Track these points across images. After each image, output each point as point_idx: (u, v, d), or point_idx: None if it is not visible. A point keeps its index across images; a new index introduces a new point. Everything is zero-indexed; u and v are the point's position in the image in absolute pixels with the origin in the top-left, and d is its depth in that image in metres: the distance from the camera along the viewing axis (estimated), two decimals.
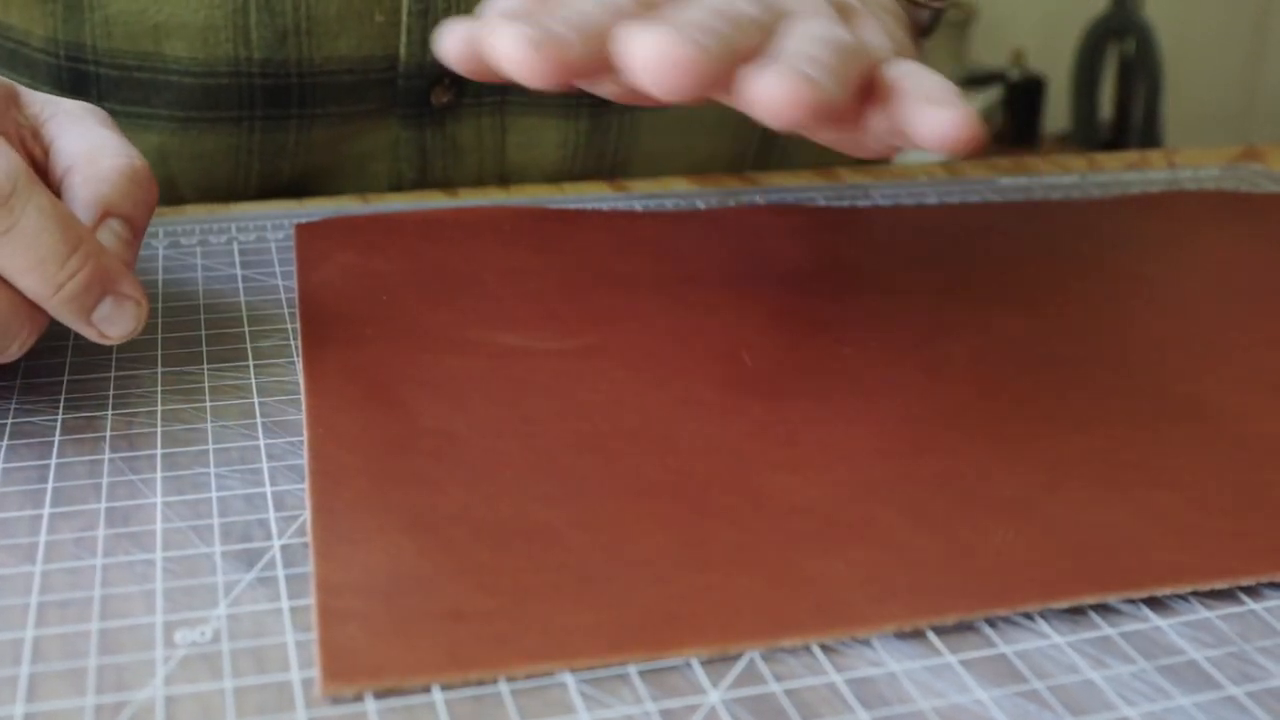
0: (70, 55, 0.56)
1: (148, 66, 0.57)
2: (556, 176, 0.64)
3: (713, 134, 0.65)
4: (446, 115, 0.61)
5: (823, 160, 0.66)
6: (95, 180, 0.39)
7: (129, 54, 0.57)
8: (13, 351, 0.38)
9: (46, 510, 0.35)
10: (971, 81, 2.38)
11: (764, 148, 0.66)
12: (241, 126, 0.58)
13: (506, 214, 0.56)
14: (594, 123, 0.62)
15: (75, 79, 0.55)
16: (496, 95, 0.60)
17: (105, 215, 0.39)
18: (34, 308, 0.37)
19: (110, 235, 0.39)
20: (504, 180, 0.63)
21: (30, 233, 0.36)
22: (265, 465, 0.38)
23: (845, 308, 0.48)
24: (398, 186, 0.62)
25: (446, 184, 0.62)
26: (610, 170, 0.64)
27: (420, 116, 0.60)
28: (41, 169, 0.41)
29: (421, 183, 0.62)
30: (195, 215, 0.56)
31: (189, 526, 0.35)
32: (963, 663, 0.31)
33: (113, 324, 0.38)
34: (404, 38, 0.57)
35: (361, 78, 0.58)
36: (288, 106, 0.59)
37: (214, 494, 0.36)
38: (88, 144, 0.41)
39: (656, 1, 0.36)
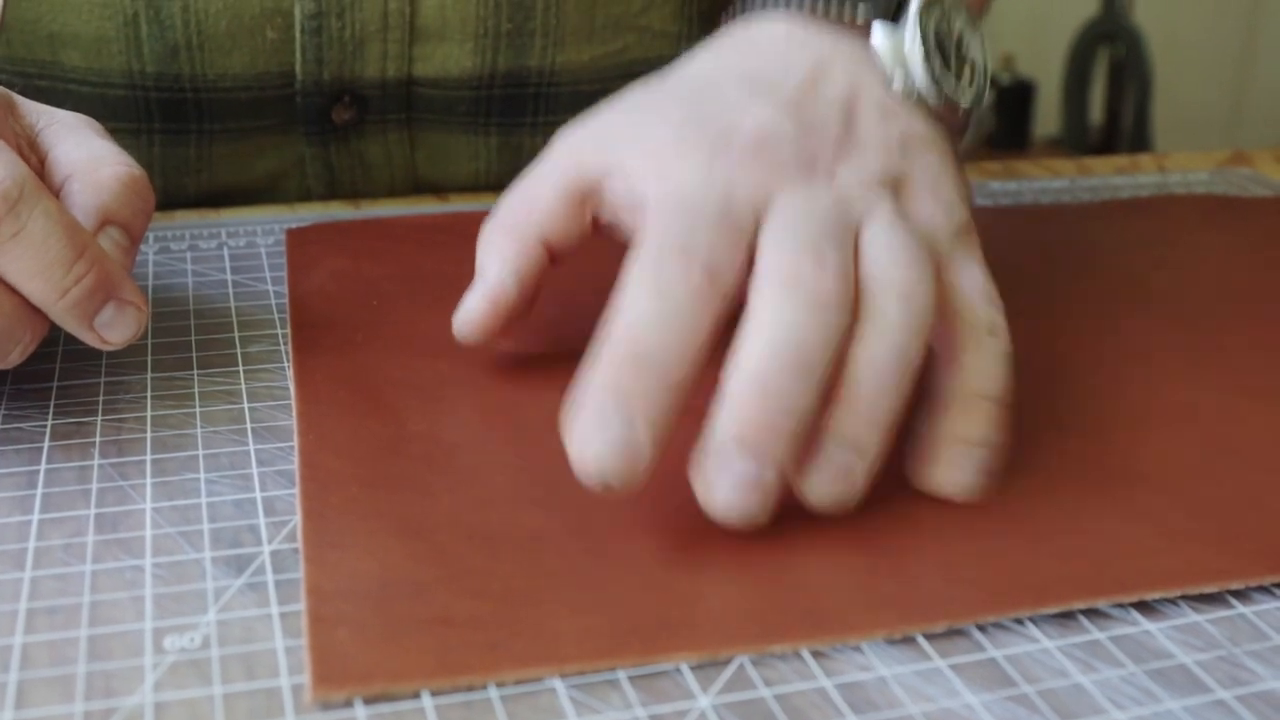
0: None
1: (46, 75, 0.56)
2: (471, 190, 0.63)
3: None
4: (351, 132, 0.60)
5: None
6: (95, 188, 0.40)
7: (28, 62, 0.56)
8: (14, 357, 0.38)
9: (35, 516, 0.35)
10: None
11: None
12: (140, 140, 0.58)
13: None
14: (504, 140, 0.62)
15: None
16: (402, 112, 0.60)
17: (105, 223, 0.39)
18: (36, 313, 0.37)
19: (109, 242, 0.39)
20: (420, 193, 0.63)
21: (37, 238, 0.36)
22: (255, 470, 0.38)
23: None
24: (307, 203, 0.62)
25: (357, 199, 0.62)
26: None
27: (324, 134, 0.60)
28: (38, 177, 0.41)
29: (331, 199, 0.62)
30: (186, 221, 0.56)
31: (178, 532, 0.35)
32: (952, 667, 0.31)
33: (114, 329, 0.38)
34: (299, 55, 0.56)
35: (258, 94, 0.58)
36: (185, 121, 0.58)
37: (203, 499, 0.36)
38: (86, 153, 0.41)
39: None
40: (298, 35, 0.56)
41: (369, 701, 0.29)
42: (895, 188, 0.40)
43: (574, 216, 0.41)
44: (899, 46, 0.42)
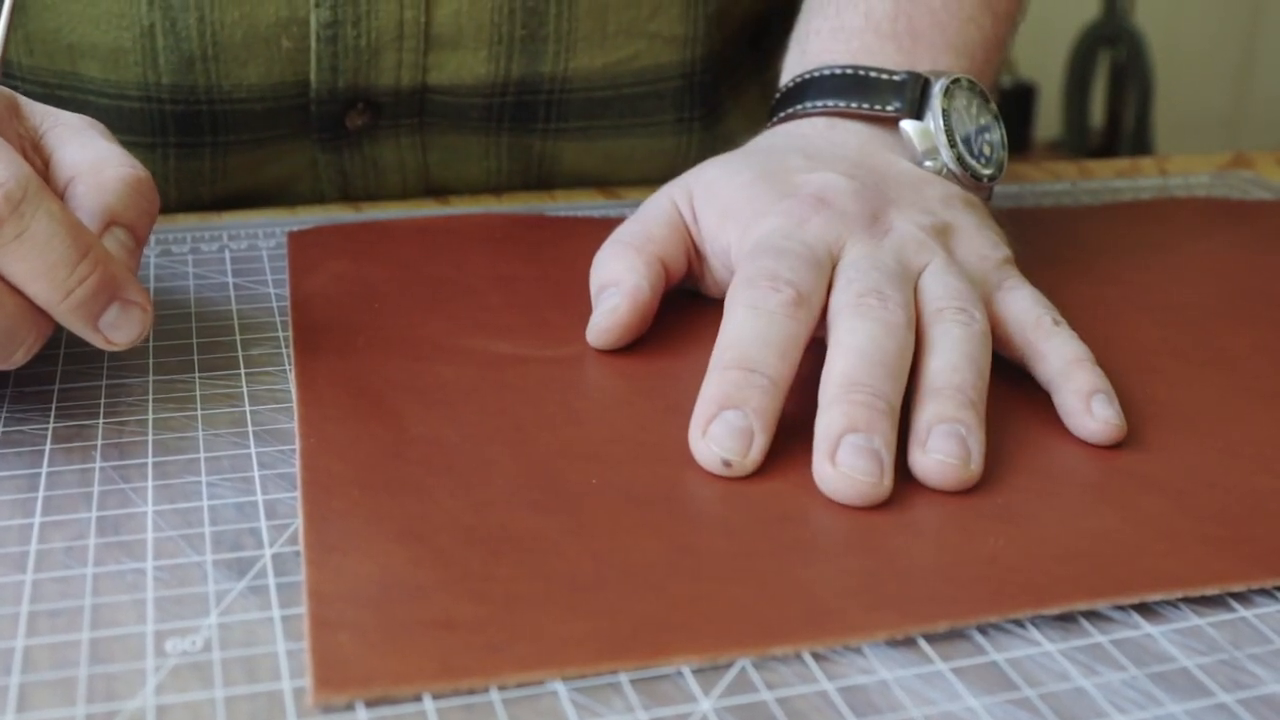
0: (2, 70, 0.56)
1: (67, 85, 0.57)
2: (483, 191, 0.63)
3: (643, 168, 0.65)
4: (364, 137, 0.60)
5: None
6: (100, 190, 0.40)
7: (49, 71, 0.57)
8: (18, 358, 0.38)
9: (37, 519, 0.35)
10: None
11: None
12: (155, 154, 0.58)
13: (499, 221, 0.56)
14: (515, 142, 0.62)
15: None
16: (415, 118, 0.60)
17: (110, 224, 0.39)
18: (40, 314, 0.37)
19: (115, 244, 0.39)
20: (430, 195, 0.63)
21: (41, 238, 0.36)
22: (256, 473, 0.38)
23: None
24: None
25: (370, 202, 0.62)
26: (537, 186, 0.64)
27: (337, 140, 0.60)
28: (42, 179, 0.41)
29: (344, 202, 0.62)
30: (187, 223, 0.56)
31: (180, 535, 0.35)
32: (954, 670, 0.31)
33: (119, 330, 0.38)
34: (314, 64, 0.56)
35: (273, 105, 0.58)
36: (200, 134, 0.58)
37: (205, 502, 0.36)
38: (91, 155, 0.41)
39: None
40: (313, 44, 0.56)
41: (370, 705, 0.29)
42: (943, 234, 0.46)
43: (679, 243, 0.47)
44: (925, 133, 0.49)
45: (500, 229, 0.55)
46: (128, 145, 0.57)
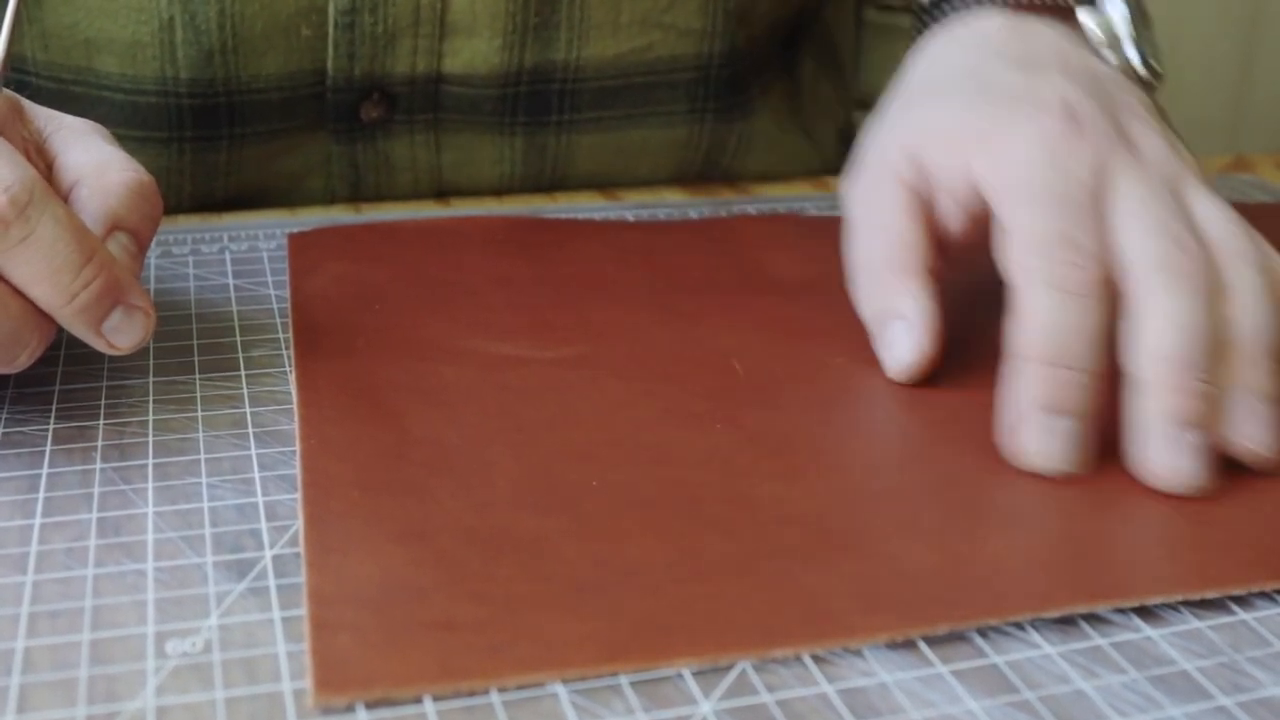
0: (12, 66, 0.56)
1: (82, 81, 0.57)
2: (494, 193, 0.63)
3: (655, 160, 0.65)
4: (378, 131, 0.60)
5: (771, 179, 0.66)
6: (103, 194, 0.40)
7: (64, 68, 0.57)
8: (22, 361, 0.38)
9: (37, 520, 0.35)
10: None
11: (706, 169, 0.66)
12: (170, 148, 0.58)
13: (499, 223, 0.56)
14: (529, 141, 0.62)
15: (16, 91, 0.56)
16: (429, 113, 0.60)
17: (113, 228, 0.39)
18: (44, 317, 0.37)
19: (118, 248, 0.39)
20: (441, 196, 0.63)
21: (46, 242, 0.36)
22: (257, 475, 0.38)
23: (837, 317, 0.48)
24: (331, 203, 0.62)
25: (380, 201, 0.62)
26: (549, 188, 0.64)
27: (351, 132, 0.60)
28: (46, 182, 0.41)
29: (356, 199, 0.62)
30: (187, 225, 0.56)
31: (180, 536, 0.35)
32: (954, 673, 0.31)
33: (122, 334, 0.38)
34: (330, 52, 0.57)
35: (290, 94, 0.58)
36: (217, 127, 0.58)
37: (205, 504, 0.36)
38: (95, 158, 0.41)
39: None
40: (330, 31, 0.56)
41: (371, 706, 0.29)
42: (1173, 144, 0.43)
43: (930, 232, 0.44)
44: (1106, 23, 0.45)
45: (501, 231, 0.55)
46: (144, 140, 0.57)
